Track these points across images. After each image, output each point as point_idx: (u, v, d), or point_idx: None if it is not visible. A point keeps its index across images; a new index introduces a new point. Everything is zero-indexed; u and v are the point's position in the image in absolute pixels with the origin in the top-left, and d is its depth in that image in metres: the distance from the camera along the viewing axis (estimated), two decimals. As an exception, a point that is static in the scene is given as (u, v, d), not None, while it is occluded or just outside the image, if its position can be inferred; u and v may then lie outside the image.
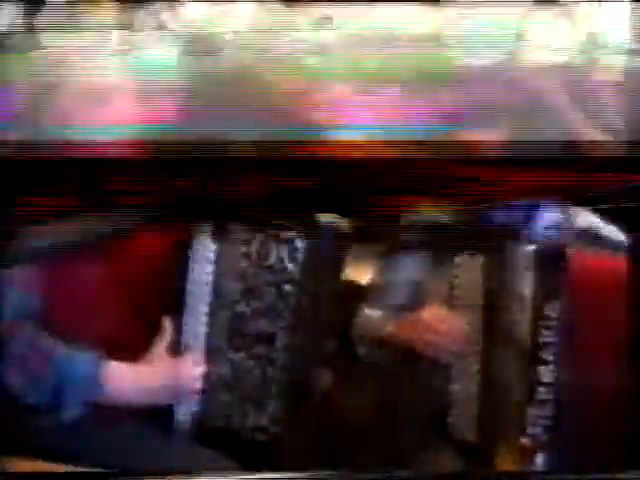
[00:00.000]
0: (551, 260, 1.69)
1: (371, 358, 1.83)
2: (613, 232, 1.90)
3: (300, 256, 1.77)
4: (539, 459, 1.51)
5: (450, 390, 1.73)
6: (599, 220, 1.93)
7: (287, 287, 1.78)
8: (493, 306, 1.71)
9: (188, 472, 1.68)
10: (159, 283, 1.77)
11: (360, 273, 1.96)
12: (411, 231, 1.87)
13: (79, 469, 1.64)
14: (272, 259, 1.78)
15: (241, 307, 1.79)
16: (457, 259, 1.74)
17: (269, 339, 1.77)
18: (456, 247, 1.75)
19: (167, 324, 1.75)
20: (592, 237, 1.87)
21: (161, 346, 1.74)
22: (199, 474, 1.67)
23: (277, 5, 2.87)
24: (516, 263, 1.69)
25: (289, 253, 1.78)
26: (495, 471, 1.54)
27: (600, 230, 1.90)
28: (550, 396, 1.67)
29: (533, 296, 1.69)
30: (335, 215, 1.83)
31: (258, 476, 1.61)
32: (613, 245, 1.81)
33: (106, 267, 1.75)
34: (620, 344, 1.67)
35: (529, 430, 1.58)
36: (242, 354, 1.78)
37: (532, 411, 1.65)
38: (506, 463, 1.53)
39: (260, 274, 1.78)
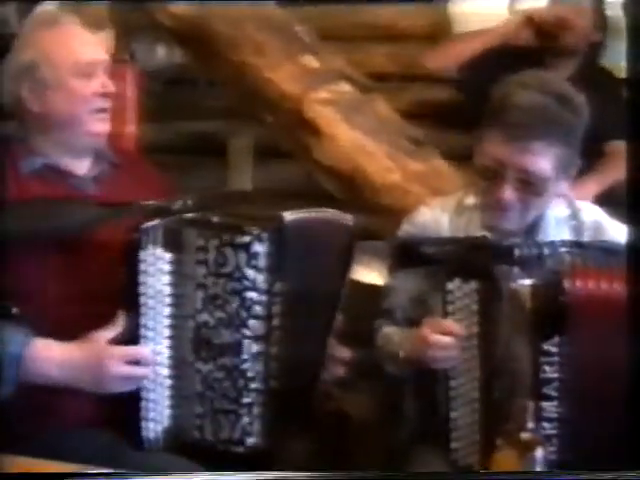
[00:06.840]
0: (549, 294, 1.61)
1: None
2: (617, 228, 1.86)
3: (261, 261, 1.70)
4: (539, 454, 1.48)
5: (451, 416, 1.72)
6: (604, 214, 1.88)
7: (249, 294, 1.71)
8: (489, 336, 1.66)
9: (185, 472, 1.66)
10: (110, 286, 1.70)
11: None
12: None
13: (79, 469, 1.59)
14: (230, 267, 1.70)
15: (204, 317, 1.73)
16: (449, 284, 1.68)
17: (235, 349, 1.72)
18: (450, 270, 1.69)
19: (117, 320, 1.69)
20: (598, 236, 1.81)
21: (103, 335, 1.68)
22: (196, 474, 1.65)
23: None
24: (512, 296, 1.62)
25: (247, 259, 1.70)
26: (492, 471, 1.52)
27: (605, 225, 1.85)
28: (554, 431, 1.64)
29: (531, 331, 1.62)
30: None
31: (256, 476, 1.57)
32: (617, 246, 1.73)
33: (60, 258, 1.74)
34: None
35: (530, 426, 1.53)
36: (210, 365, 1.72)
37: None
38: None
39: (219, 282, 1.71)
